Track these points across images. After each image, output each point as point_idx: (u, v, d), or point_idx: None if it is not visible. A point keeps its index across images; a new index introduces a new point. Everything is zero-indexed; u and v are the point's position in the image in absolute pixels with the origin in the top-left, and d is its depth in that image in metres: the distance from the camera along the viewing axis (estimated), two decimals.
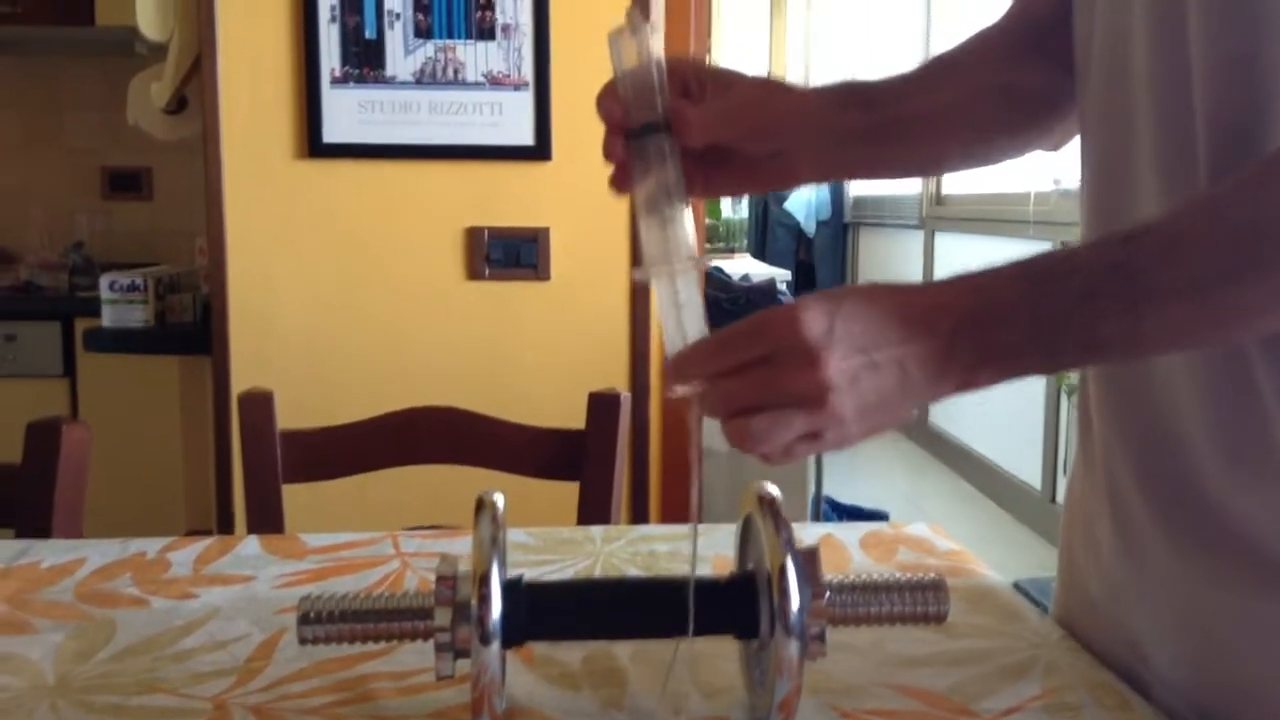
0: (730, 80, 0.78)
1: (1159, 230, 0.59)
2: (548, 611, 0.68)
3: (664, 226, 0.67)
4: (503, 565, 0.65)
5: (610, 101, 0.73)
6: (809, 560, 0.65)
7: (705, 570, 0.95)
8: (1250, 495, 0.64)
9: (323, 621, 0.66)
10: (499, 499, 0.69)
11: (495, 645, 0.62)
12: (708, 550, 1.00)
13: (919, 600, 0.68)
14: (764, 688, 0.65)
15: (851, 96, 0.82)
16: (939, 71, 0.86)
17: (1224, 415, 0.65)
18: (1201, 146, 0.63)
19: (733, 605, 0.67)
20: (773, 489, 0.68)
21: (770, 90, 0.79)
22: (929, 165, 0.91)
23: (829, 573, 0.67)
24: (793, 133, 0.79)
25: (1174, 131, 0.66)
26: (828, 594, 0.66)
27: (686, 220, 0.68)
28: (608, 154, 0.74)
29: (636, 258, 2.09)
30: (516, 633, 0.66)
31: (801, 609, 0.62)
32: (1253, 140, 0.60)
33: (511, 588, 0.66)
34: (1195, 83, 0.63)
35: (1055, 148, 0.92)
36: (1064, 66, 0.83)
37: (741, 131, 0.77)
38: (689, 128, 0.72)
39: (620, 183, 0.74)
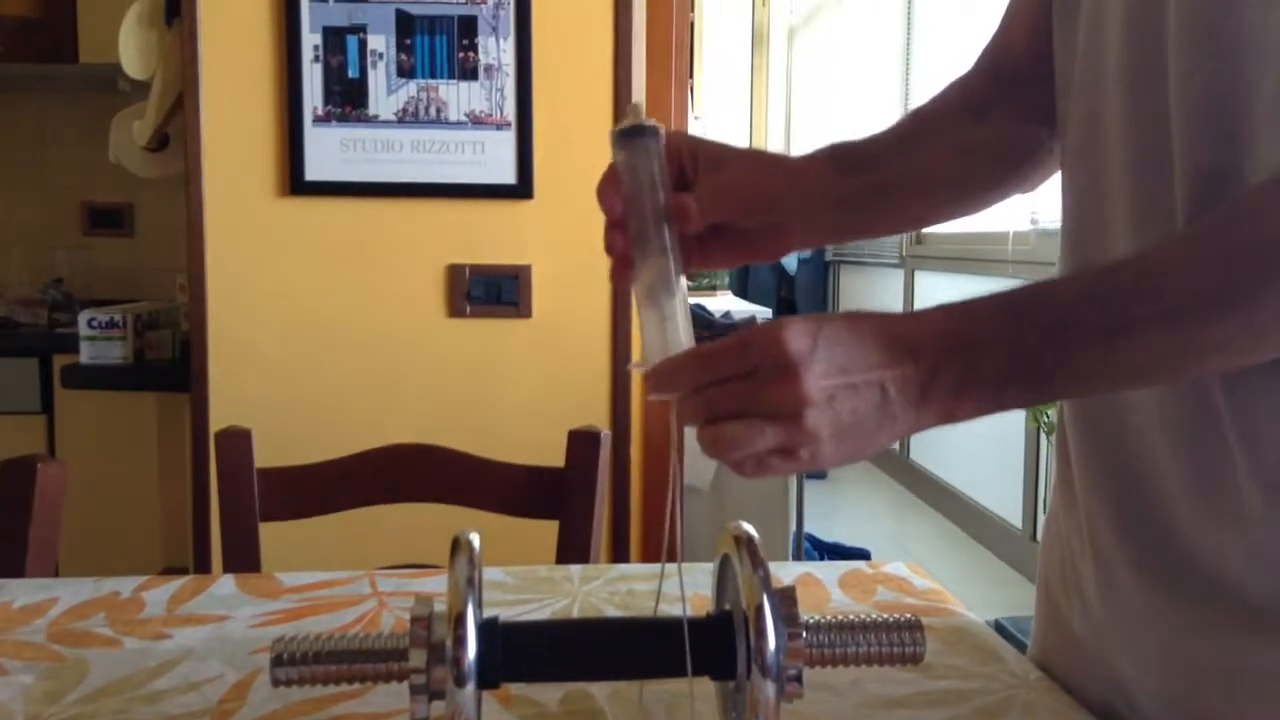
0: (722, 157, 0.79)
1: (1137, 263, 0.60)
2: (523, 652, 0.67)
3: (663, 321, 0.69)
4: (478, 606, 0.65)
5: (610, 196, 0.73)
6: (786, 600, 0.65)
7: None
8: (1225, 541, 0.64)
9: (296, 663, 0.65)
10: (475, 539, 0.68)
11: (470, 686, 0.62)
12: (686, 589, 1.00)
13: (896, 641, 0.67)
14: None
15: (840, 163, 0.83)
16: (919, 131, 0.87)
17: (1195, 463, 0.65)
18: (1178, 187, 0.64)
19: (709, 645, 0.67)
20: (750, 529, 0.68)
21: (762, 164, 0.81)
22: (916, 222, 0.94)
23: (806, 612, 0.67)
24: (786, 205, 0.80)
25: (1148, 173, 0.67)
26: (805, 634, 0.66)
27: (685, 313, 0.70)
28: (609, 248, 0.74)
29: (618, 295, 2.09)
30: (492, 674, 0.65)
31: (778, 649, 0.62)
32: (1228, 179, 0.61)
33: (487, 628, 0.65)
34: (1172, 123, 0.64)
35: (1032, 189, 0.93)
36: (1037, 116, 0.84)
37: (737, 209, 0.78)
38: (689, 218, 0.74)
39: (619, 277, 0.74)
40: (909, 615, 0.68)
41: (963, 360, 0.60)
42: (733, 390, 0.60)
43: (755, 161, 0.81)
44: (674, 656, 0.66)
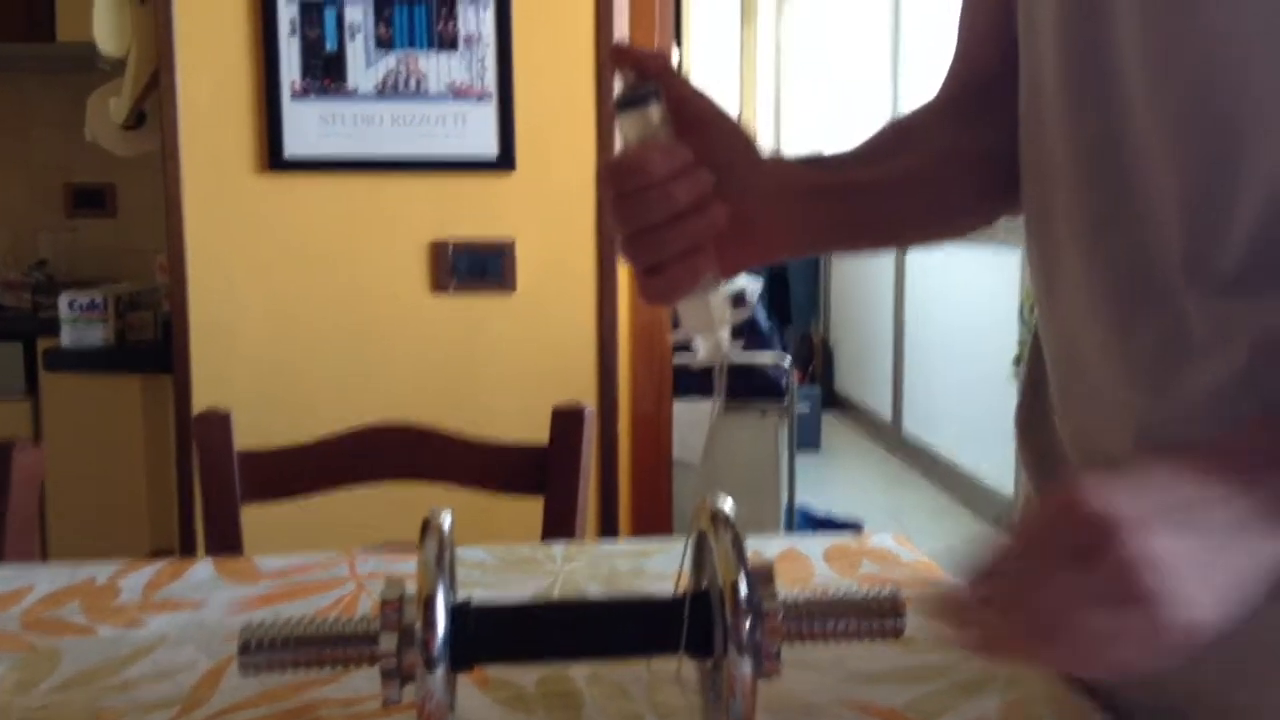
0: (702, 115, 0.73)
1: None
2: (496, 634, 0.66)
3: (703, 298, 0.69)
4: (450, 587, 0.64)
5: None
6: (763, 577, 0.64)
7: (666, 587, 0.94)
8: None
9: (264, 650, 0.64)
10: (446, 519, 0.67)
11: (440, 670, 0.60)
12: (667, 566, 0.99)
13: (876, 616, 0.66)
14: (720, 708, 0.64)
15: (810, 160, 0.79)
16: (898, 138, 0.84)
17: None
18: (1147, 218, 0.61)
19: (686, 623, 0.65)
20: (727, 503, 0.67)
21: (740, 137, 0.75)
22: (901, 229, 0.85)
23: (785, 588, 0.66)
24: (757, 184, 0.74)
25: (1099, 198, 0.65)
26: (782, 611, 0.64)
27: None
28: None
29: (604, 268, 2.07)
30: (464, 656, 0.64)
31: (754, 627, 0.61)
32: (1228, 203, 0.57)
33: (459, 610, 0.64)
34: (1126, 146, 0.62)
35: (1015, 213, 0.88)
36: (1012, 129, 0.80)
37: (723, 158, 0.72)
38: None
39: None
40: (890, 589, 0.67)
41: None
42: (1054, 588, 0.48)
43: (734, 132, 0.74)
44: (650, 636, 0.65)
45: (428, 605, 0.61)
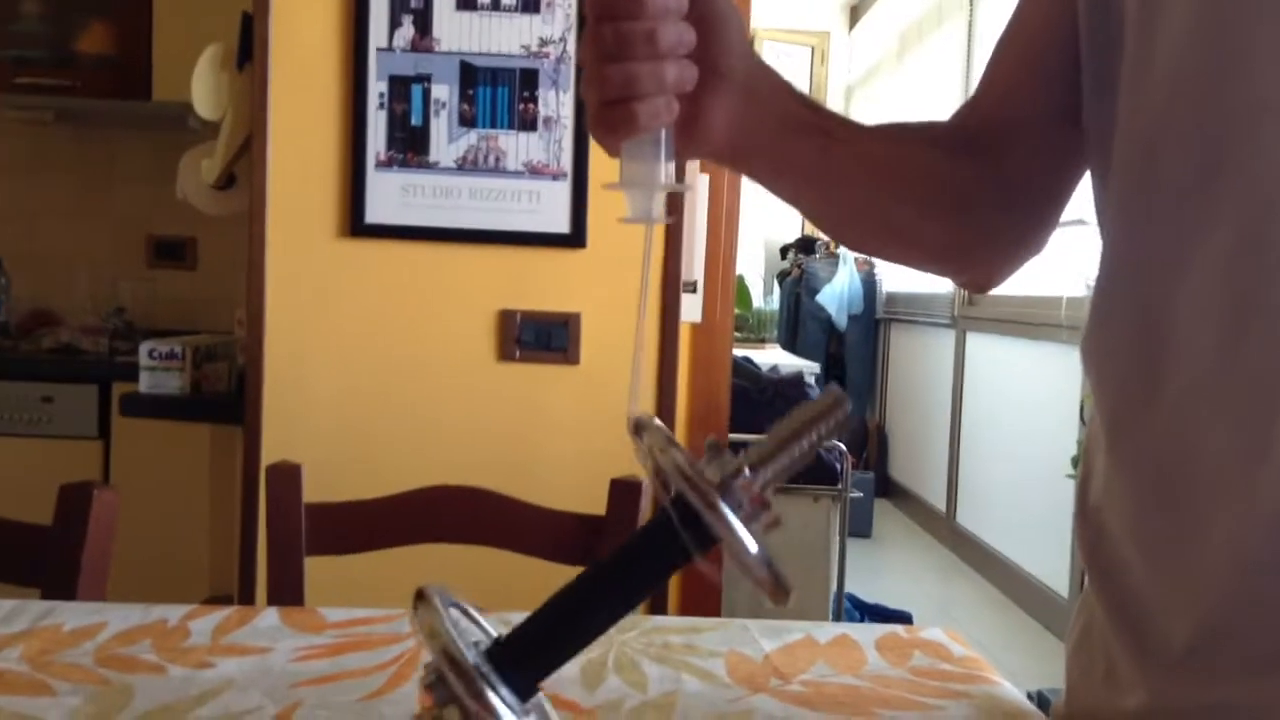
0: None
1: None
2: (539, 649, 0.66)
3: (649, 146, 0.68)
4: (480, 638, 0.64)
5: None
6: (710, 451, 0.60)
7: (719, 664, 0.95)
8: None
9: None
10: (436, 593, 0.67)
11: (511, 714, 0.61)
12: (720, 644, 1.00)
13: (824, 417, 0.60)
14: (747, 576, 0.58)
15: (799, 95, 0.76)
16: (885, 130, 0.82)
17: None
18: None
19: (681, 530, 0.61)
20: (645, 416, 0.65)
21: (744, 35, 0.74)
22: (850, 203, 0.80)
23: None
24: (739, 75, 0.72)
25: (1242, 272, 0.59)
26: (746, 469, 0.59)
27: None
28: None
29: (665, 345, 2.11)
30: (523, 687, 0.65)
31: (725, 488, 0.58)
32: None
33: (494, 651, 0.64)
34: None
35: (981, 288, 0.87)
36: (992, 184, 0.80)
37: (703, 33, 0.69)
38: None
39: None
40: (833, 389, 0.61)
41: None
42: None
43: (731, 17, 0.71)
44: (664, 560, 0.63)
45: (456, 667, 0.60)
